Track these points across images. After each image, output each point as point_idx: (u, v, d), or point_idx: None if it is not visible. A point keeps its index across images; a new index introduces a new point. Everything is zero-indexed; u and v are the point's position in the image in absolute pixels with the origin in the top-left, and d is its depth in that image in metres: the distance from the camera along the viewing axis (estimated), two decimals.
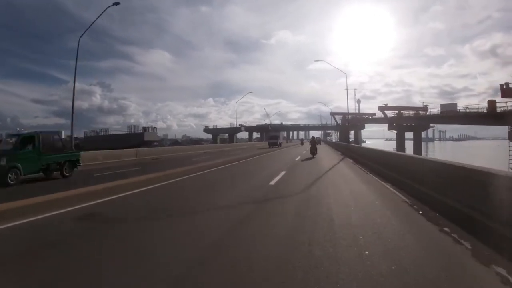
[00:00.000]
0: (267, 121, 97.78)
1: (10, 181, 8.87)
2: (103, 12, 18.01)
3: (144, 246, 3.47)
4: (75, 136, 22.01)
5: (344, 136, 76.29)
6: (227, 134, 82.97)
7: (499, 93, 37.72)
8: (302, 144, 56.51)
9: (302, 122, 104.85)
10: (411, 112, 53.93)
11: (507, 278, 2.48)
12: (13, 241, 3.79)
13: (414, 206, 5.25)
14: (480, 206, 3.80)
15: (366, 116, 69.67)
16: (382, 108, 54.11)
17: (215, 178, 10.16)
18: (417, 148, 52.20)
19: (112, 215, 5.13)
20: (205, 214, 5.10)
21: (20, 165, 9.27)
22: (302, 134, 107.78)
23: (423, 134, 59.22)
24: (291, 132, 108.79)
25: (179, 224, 4.50)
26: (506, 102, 38.19)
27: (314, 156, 19.12)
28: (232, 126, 71.74)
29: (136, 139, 37.81)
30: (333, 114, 75.74)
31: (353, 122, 69.10)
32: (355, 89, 70.08)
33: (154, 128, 39.84)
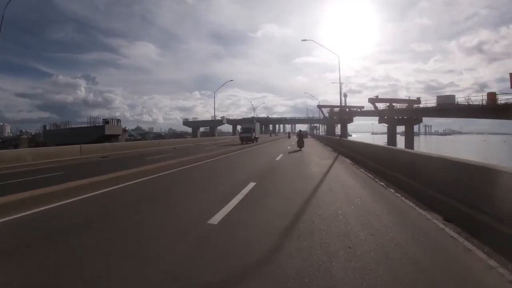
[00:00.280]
0: (254, 115, 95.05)
1: None
2: None
3: None
4: (26, 130, 17.18)
5: (332, 130, 73.27)
6: (209, 127, 78.02)
7: (485, 89, 35.28)
8: (289, 137, 54.62)
9: (288, 116, 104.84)
10: (403, 105, 50.71)
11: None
12: None
13: None
14: None
15: (355, 109, 66.42)
16: (372, 100, 50.55)
17: (109, 208, 5.77)
18: (409, 143, 49.20)
19: None
20: None
21: None
22: (288, 127, 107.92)
23: (404, 129, 56.17)
24: (277, 126, 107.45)
25: None
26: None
27: (301, 149, 19.10)
28: (214, 118, 66.85)
29: (96, 132, 32.66)
30: (320, 106, 72.36)
31: (342, 115, 65.80)
32: (341, 83, 66.61)
33: (118, 120, 34.56)
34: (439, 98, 40.77)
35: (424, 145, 72.37)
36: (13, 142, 43.90)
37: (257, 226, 3.89)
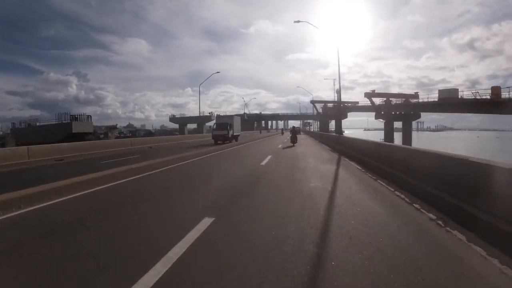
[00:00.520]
0: (246, 111, 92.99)
1: None
2: None
3: None
4: None
5: (325, 126, 70.61)
6: (196, 124, 74.14)
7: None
8: (282, 133, 52.62)
9: (281, 112, 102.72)
10: (401, 100, 48.21)
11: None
12: None
13: None
14: None
15: (349, 104, 63.79)
16: (369, 95, 47.90)
17: None
18: (407, 140, 46.81)
19: None
20: None
21: None
22: (281, 123, 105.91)
23: (400, 125, 53.49)
24: (269, 122, 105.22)
25: None
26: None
27: (294, 145, 19.57)
28: (201, 114, 63.23)
29: (62, 131, 28.97)
30: (313, 102, 69.82)
31: (336, 111, 63.27)
32: (334, 79, 64.09)
33: (88, 117, 30.70)
34: (441, 92, 38.12)
35: (425, 142, 70.18)
36: None
37: None
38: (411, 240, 3.18)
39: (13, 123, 42.92)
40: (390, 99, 48.31)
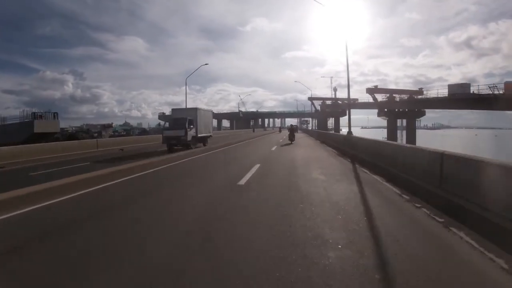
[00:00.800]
0: (242, 109, 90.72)
1: None
2: None
3: None
4: None
5: (323, 124, 67.30)
6: None
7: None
8: (280, 131, 53.12)
9: (278, 110, 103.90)
10: (404, 96, 45.04)
11: None
12: None
13: None
14: None
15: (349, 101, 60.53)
16: (371, 91, 44.61)
17: None
18: (411, 139, 43.66)
19: None
20: None
21: None
22: (278, 121, 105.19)
23: (399, 123, 50.23)
24: (266, 120, 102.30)
25: None
26: None
27: (292, 143, 20.41)
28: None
29: (24, 131, 25.21)
30: (311, 99, 66.56)
31: (336, 108, 59.98)
32: (331, 77, 61.38)
33: (54, 114, 26.66)
34: (451, 87, 34.82)
35: (430, 141, 67.09)
36: None
37: None
38: None
39: None
40: (394, 95, 45.11)
